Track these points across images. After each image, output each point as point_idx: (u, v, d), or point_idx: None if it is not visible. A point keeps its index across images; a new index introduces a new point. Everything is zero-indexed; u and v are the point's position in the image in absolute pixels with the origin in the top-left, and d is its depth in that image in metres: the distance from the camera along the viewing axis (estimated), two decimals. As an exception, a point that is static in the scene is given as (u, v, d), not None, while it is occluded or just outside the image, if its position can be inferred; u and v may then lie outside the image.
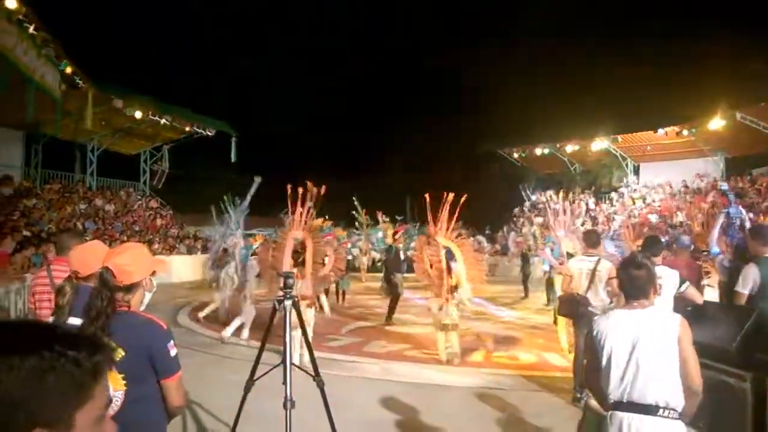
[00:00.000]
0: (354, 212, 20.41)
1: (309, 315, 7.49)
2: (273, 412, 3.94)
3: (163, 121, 22.13)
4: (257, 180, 10.18)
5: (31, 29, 13.62)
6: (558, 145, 28.29)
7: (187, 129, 24.06)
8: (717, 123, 21.17)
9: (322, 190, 7.83)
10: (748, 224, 6.33)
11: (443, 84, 38.23)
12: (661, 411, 2.55)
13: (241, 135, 24.83)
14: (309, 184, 7.75)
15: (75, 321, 2.32)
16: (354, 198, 20.13)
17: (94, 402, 0.97)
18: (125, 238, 18.65)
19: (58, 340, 0.95)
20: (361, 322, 11.44)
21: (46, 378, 0.90)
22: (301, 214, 7.69)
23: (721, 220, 6.54)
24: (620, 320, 2.72)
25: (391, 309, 11.37)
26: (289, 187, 7.69)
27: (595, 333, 2.79)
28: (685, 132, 22.86)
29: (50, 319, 2.60)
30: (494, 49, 33.00)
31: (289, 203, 7.72)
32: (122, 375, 2.13)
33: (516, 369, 7.58)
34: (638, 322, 2.66)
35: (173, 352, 2.33)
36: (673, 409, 2.56)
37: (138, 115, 20.95)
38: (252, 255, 9.94)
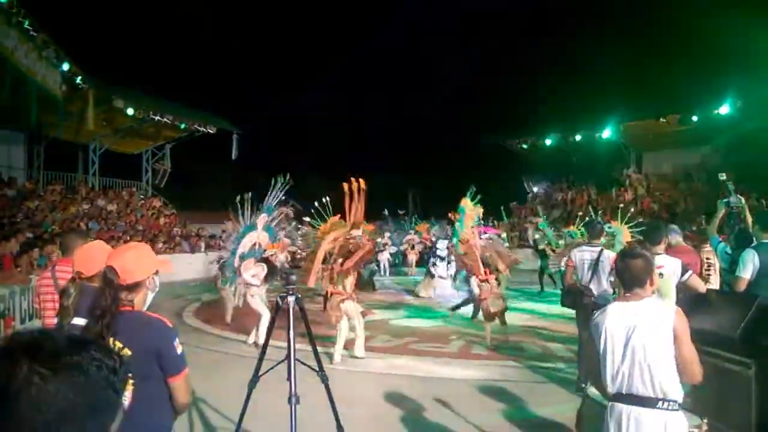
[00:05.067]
0: (399, 209, 20.58)
1: (351, 307, 7.74)
2: (278, 407, 3.96)
3: (164, 119, 22.13)
4: (289, 180, 9.75)
5: (31, 31, 13.64)
6: (561, 136, 28.07)
7: (189, 127, 24.09)
8: (719, 111, 21.06)
9: (363, 185, 7.94)
10: (747, 212, 6.34)
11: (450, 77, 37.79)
12: (659, 403, 2.55)
13: (242, 132, 24.89)
14: (362, 180, 7.90)
15: (79, 321, 2.33)
16: (410, 192, 20.30)
17: (120, 412, 0.98)
18: (128, 238, 18.67)
19: (99, 352, 0.95)
20: (368, 316, 11.39)
21: (102, 389, 0.92)
22: (356, 209, 7.90)
23: (722, 209, 6.56)
24: (616, 312, 2.73)
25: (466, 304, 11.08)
26: (345, 184, 7.85)
27: (593, 325, 2.81)
28: (688, 120, 22.68)
29: (54, 320, 2.62)
30: (500, 42, 32.86)
31: (347, 200, 7.87)
32: (129, 374, 2.15)
33: (521, 360, 7.59)
34: (634, 314, 2.66)
35: (179, 349, 2.34)
36: (673, 401, 2.56)
37: (139, 114, 20.97)
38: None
